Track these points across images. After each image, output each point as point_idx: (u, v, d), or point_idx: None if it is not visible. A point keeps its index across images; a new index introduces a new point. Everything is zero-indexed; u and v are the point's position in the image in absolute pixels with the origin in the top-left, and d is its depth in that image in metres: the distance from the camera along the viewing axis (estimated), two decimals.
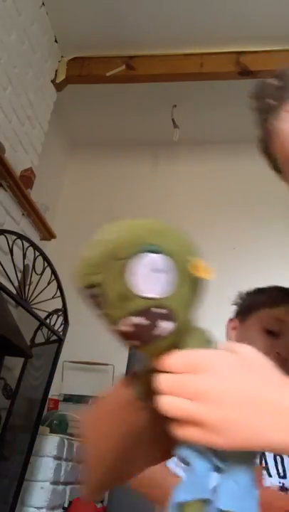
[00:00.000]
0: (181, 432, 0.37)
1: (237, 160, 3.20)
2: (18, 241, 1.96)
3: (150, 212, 3.57)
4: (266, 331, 0.79)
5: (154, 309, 0.39)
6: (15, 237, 1.95)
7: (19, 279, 1.98)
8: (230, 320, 0.89)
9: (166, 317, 0.39)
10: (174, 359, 0.39)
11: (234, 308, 0.89)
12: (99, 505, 2.25)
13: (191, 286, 0.41)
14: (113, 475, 0.46)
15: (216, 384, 0.37)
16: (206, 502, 0.37)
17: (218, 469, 0.38)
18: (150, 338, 0.39)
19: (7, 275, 1.86)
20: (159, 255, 0.39)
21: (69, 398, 2.56)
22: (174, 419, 0.37)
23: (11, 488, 1.71)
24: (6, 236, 1.91)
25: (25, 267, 2.05)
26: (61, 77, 2.72)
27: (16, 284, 1.92)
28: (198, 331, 0.44)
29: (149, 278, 0.39)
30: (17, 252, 1.96)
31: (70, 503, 1.94)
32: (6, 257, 1.99)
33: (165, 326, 0.39)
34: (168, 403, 0.37)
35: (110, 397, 0.47)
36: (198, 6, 2.36)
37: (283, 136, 0.59)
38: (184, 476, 0.39)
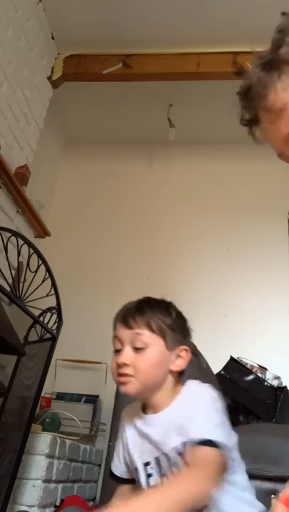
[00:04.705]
0: None
1: (232, 160, 3.21)
2: (13, 238, 1.95)
3: (145, 211, 3.56)
4: (115, 352, 0.99)
5: None
6: (9, 235, 1.94)
7: (13, 276, 1.97)
8: None
9: None
10: None
11: None
12: (91, 504, 2.25)
13: None
14: None
15: None
16: None
17: None
18: None
19: (1, 272, 1.85)
20: None
21: (62, 396, 2.56)
22: None
23: (2, 487, 1.71)
24: (0, 233, 1.90)
25: (19, 264, 2.05)
26: (57, 75, 2.71)
27: (10, 281, 1.91)
28: None
29: None
30: (11, 249, 1.95)
31: (62, 501, 1.94)
32: (0, 254, 1.98)
33: None
34: None
35: None
36: (196, 5, 2.36)
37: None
38: None
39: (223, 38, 2.51)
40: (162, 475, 0.95)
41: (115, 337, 0.99)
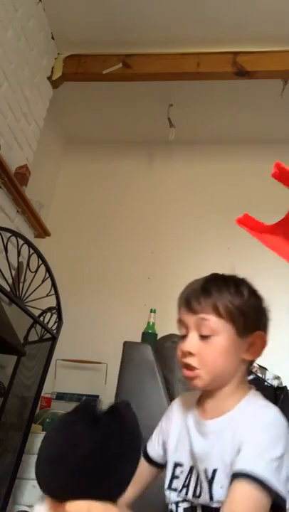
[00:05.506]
0: None
1: (232, 160, 3.21)
2: (13, 238, 1.95)
3: (145, 211, 3.56)
4: (181, 338, 0.88)
5: None
6: (9, 235, 1.94)
7: (13, 276, 1.97)
8: None
9: None
10: None
11: None
12: None
13: None
14: None
15: None
16: None
17: None
18: None
19: (1, 272, 1.85)
20: None
21: (62, 396, 2.56)
22: None
23: (2, 486, 1.71)
24: (0, 233, 1.90)
25: (19, 264, 2.05)
26: (57, 75, 2.71)
27: (10, 281, 1.91)
28: None
29: None
30: (11, 249, 1.95)
31: None
32: (0, 254, 1.98)
33: None
34: None
35: None
36: (196, 5, 2.36)
37: None
38: None
39: (223, 38, 2.51)
40: (185, 486, 0.84)
41: (179, 321, 0.87)
